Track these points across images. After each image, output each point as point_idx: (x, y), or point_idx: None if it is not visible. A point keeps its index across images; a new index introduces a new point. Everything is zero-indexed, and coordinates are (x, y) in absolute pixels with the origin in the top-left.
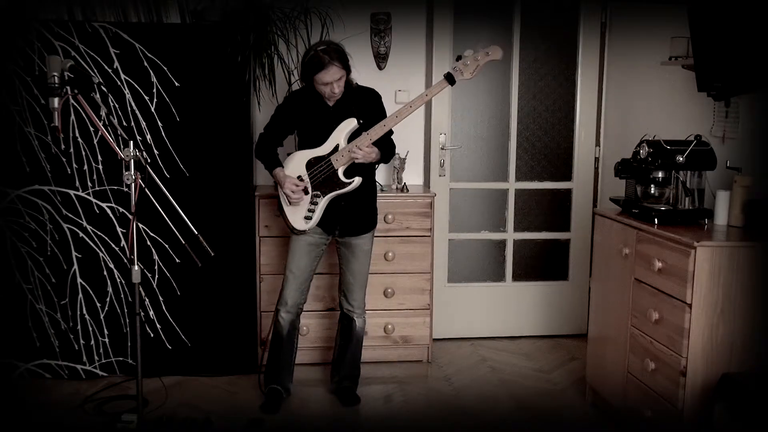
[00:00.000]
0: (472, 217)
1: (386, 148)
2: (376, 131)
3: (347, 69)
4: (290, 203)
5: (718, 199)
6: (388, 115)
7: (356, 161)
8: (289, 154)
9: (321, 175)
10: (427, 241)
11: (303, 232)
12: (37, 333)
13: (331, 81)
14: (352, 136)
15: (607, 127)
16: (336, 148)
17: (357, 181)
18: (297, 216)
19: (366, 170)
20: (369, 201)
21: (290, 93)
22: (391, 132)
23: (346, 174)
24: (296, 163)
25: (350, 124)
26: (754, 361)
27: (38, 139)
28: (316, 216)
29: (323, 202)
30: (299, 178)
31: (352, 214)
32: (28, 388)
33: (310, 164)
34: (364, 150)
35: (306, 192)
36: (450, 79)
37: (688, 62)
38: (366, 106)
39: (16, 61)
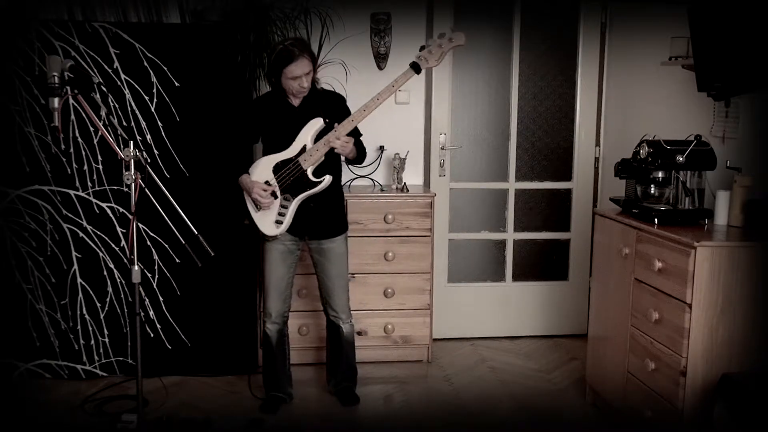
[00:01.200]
0: (472, 217)
1: (358, 148)
2: (345, 126)
3: (315, 63)
4: (259, 209)
5: (718, 199)
6: None
7: (335, 151)
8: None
9: (290, 178)
10: (427, 241)
11: (275, 238)
12: (37, 333)
13: (300, 74)
14: (319, 137)
15: (607, 127)
16: (303, 149)
17: (328, 179)
18: (267, 221)
19: (334, 172)
20: (338, 204)
21: (253, 100)
22: (359, 134)
23: (315, 175)
24: (262, 169)
25: (316, 124)
26: (754, 361)
27: (38, 139)
28: (287, 220)
29: (293, 205)
30: (266, 183)
31: (322, 217)
32: (28, 388)
33: (277, 168)
34: (343, 139)
35: (275, 196)
36: (416, 67)
37: (688, 62)
38: (331, 108)
39: (16, 61)
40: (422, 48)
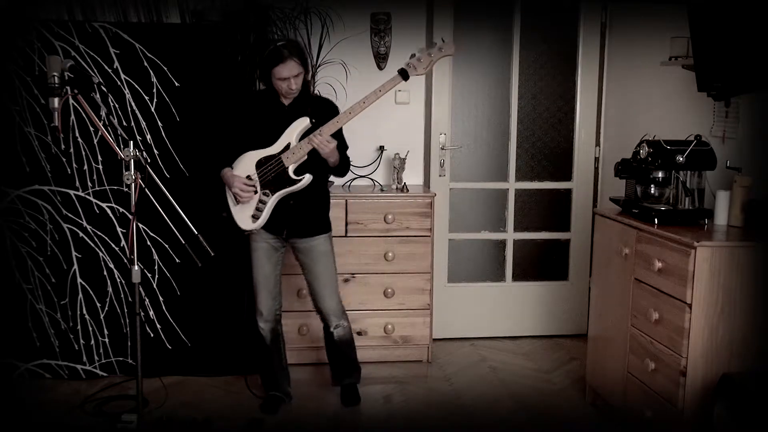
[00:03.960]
0: (472, 217)
1: (341, 158)
2: (329, 126)
3: (306, 68)
4: (237, 203)
5: (718, 199)
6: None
7: (317, 147)
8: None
9: (270, 173)
10: (427, 241)
11: (251, 232)
12: (37, 333)
13: (288, 76)
14: (304, 137)
15: (607, 127)
16: (287, 147)
17: (307, 177)
18: (244, 215)
19: (317, 172)
20: (319, 204)
21: (244, 94)
22: (346, 146)
23: (297, 173)
24: (245, 164)
25: (302, 123)
26: (754, 361)
27: (38, 139)
28: (264, 215)
29: (272, 201)
30: (248, 177)
31: (301, 215)
32: (28, 388)
33: (260, 164)
34: (324, 136)
35: (255, 191)
36: (404, 74)
37: (688, 62)
38: (321, 112)
39: (16, 61)
40: (412, 56)
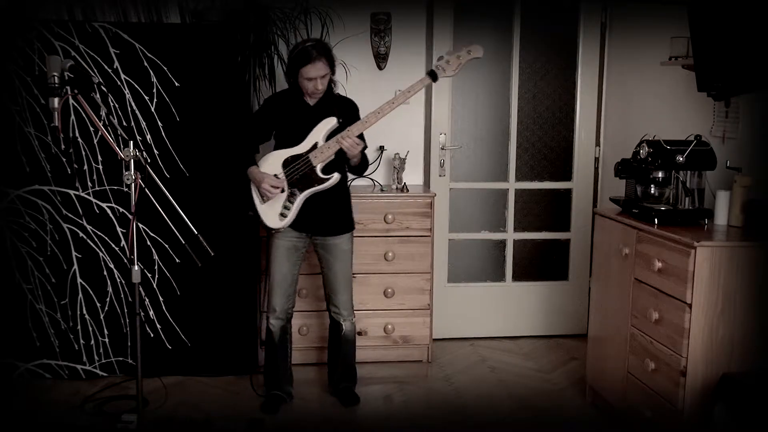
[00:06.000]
0: (472, 217)
1: (361, 157)
2: (357, 127)
3: (332, 68)
4: (264, 201)
5: (718, 199)
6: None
7: (347, 149)
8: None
9: (298, 173)
10: (427, 241)
11: (278, 230)
12: (37, 333)
13: (315, 76)
14: (331, 136)
15: (607, 127)
16: (314, 146)
17: (336, 176)
18: (271, 214)
19: (341, 171)
20: (343, 202)
21: (268, 97)
22: (365, 145)
23: (323, 173)
24: (272, 162)
25: (330, 123)
26: (754, 361)
27: (38, 139)
28: (292, 214)
29: (299, 200)
30: (275, 176)
31: (327, 214)
32: (28, 388)
33: (287, 162)
34: (353, 138)
35: (282, 190)
36: (433, 75)
37: (688, 62)
38: (345, 112)
39: (16, 61)
40: (440, 58)
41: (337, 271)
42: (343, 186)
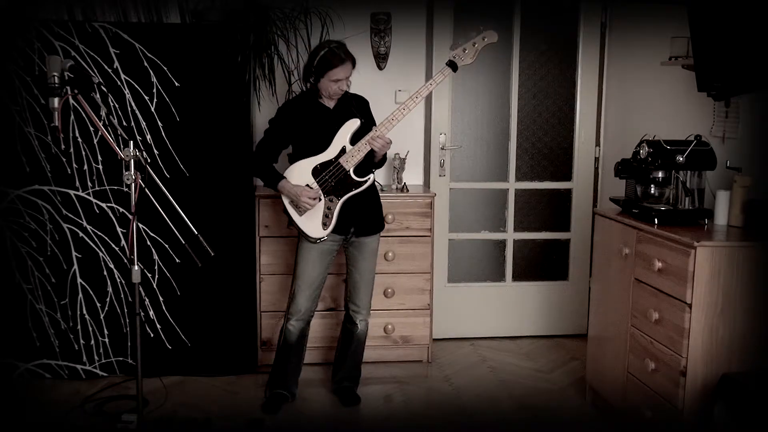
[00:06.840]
0: (472, 217)
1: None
2: (385, 126)
3: (354, 68)
4: (301, 214)
5: (718, 199)
6: (375, 121)
7: (378, 149)
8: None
9: (333, 179)
10: (427, 241)
11: (323, 239)
12: (37, 333)
13: (343, 78)
14: (355, 138)
15: (607, 127)
16: (343, 150)
17: (371, 177)
18: (313, 224)
19: (370, 171)
20: (376, 201)
21: (282, 105)
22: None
23: (356, 175)
24: (300, 173)
25: (354, 124)
26: (754, 361)
27: (38, 139)
28: (333, 220)
29: (338, 206)
30: (307, 186)
31: (364, 214)
32: (28, 388)
33: (317, 171)
34: (384, 138)
35: (319, 199)
36: (453, 65)
37: (688, 62)
38: (361, 110)
39: (16, 61)
40: (454, 46)
41: (363, 270)
42: (373, 185)
